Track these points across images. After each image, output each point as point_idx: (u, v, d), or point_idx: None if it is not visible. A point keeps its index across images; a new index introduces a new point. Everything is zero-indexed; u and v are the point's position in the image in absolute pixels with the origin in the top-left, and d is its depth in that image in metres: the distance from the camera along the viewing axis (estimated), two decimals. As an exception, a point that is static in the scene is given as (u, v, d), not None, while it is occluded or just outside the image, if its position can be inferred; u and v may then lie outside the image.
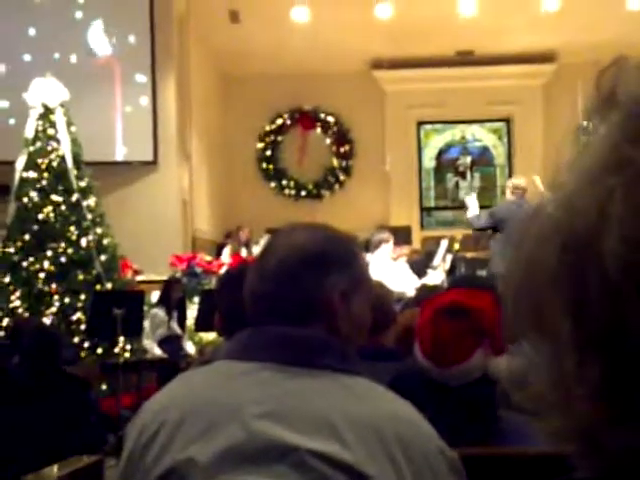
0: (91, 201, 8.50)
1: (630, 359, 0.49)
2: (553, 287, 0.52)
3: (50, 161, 8.34)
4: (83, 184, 8.46)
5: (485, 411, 2.03)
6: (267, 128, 15.36)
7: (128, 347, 7.88)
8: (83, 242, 8.23)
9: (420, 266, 9.73)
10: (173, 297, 8.56)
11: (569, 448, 0.55)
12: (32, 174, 8.29)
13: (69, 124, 8.52)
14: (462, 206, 15.35)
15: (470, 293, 2.12)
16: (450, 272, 9.78)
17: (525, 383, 0.56)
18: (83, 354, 7.86)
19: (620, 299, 0.48)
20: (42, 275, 8.02)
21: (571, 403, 0.53)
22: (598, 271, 0.49)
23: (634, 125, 0.51)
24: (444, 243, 10.14)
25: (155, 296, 8.84)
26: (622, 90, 0.52)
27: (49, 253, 8.08)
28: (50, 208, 8.20)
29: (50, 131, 8.40)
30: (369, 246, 8.93)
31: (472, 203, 9.25)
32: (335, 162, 15.38)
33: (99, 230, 8.46)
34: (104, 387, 7.55)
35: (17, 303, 7.92)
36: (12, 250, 8.11)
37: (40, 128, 8.40)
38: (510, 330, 0.56)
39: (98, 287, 8.10)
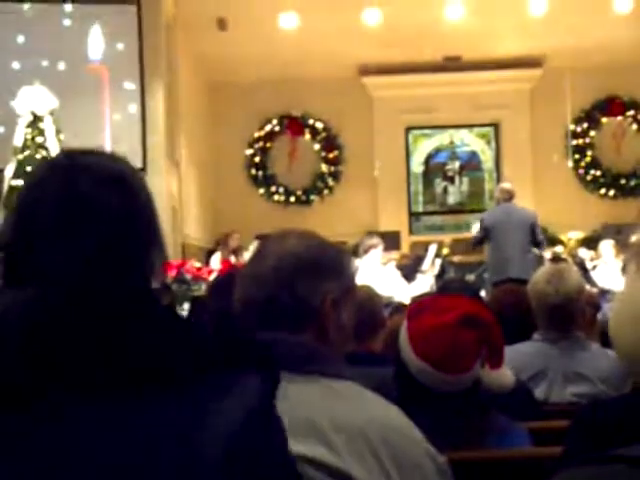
0: (80, 209, 8.48)
1: None
2: None
3: (39, 169, 8.31)
4: (72, 192, 8.44)
5: (469, 417, 2.04)
6: (256, 134, 15.36)
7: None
8: (73, 250, 8.20)
9: (409, 271, 9.76)
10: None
11: None
12: (21, 182, 8.27)
13: (58, 132, 8.50)
14: (451, 211, 15.50)
15: (479, 306, 2.10)
16: (439, 276, 9.82)
17: None
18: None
19: None
20: (31, 283, 7.97)
21: None
22: None
23: None
24: (433, 248, 10.18)
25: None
26: None
27: (38, 261, 8.03)
28: (39, 216, 8.17)
29: (39, 139, 8.37)
30: (358, 251, 8.94)
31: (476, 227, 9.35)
32: (324, 168, 15.39)
33: (89, 238, 8.43)
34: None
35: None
36: (1, 258, 8.07)
37: (29, 136, 8.36)
38: None
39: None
